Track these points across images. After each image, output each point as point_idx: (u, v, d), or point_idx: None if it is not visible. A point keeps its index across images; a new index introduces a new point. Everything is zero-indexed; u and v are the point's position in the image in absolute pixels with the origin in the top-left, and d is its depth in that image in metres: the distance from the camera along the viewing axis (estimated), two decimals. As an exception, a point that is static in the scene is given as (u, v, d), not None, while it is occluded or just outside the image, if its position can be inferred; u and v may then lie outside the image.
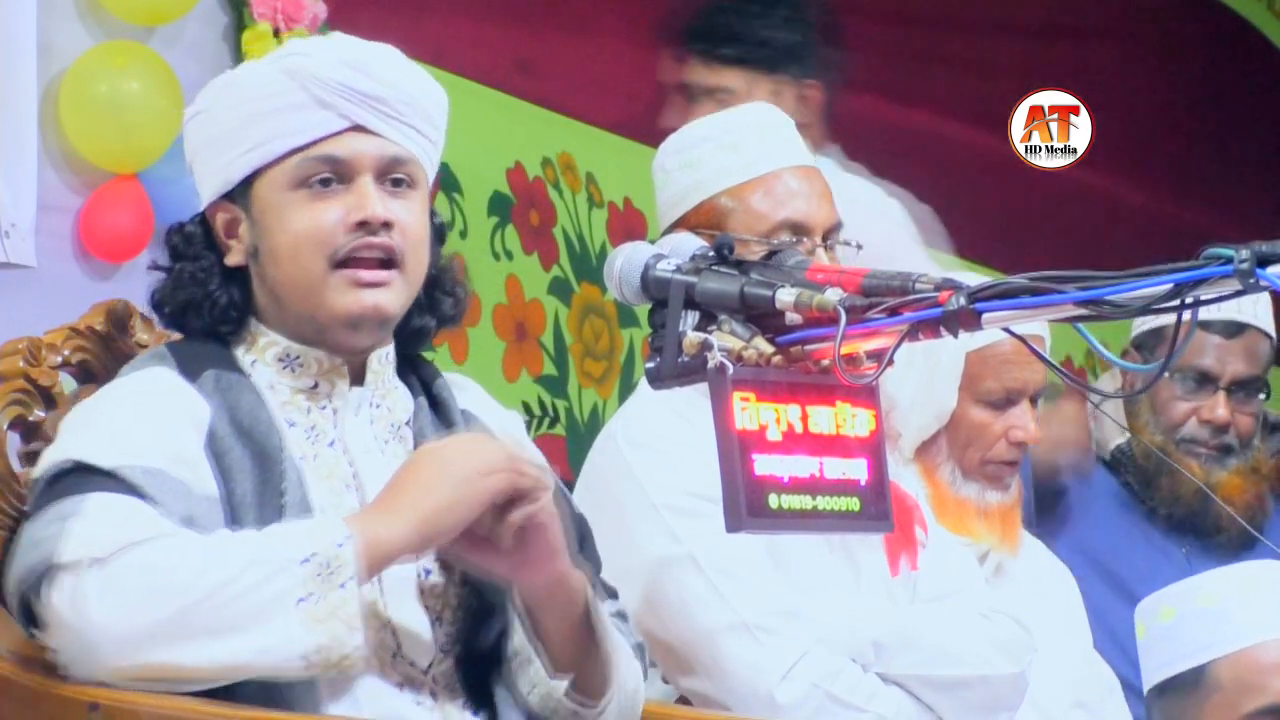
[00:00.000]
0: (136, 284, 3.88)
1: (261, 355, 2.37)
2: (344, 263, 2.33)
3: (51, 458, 2.25)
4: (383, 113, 2.36)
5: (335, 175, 2.34)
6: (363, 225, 2.33)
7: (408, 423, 2.41)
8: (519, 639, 2.34)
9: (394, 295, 2.35)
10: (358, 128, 2.35)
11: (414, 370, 2.46)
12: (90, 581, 2.10)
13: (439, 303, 2.45)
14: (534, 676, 2.34)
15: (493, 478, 2.22)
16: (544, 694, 2.34)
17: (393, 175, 2.37)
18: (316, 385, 2.37)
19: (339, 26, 4.30)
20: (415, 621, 2.33)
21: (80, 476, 2.20)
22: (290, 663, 2.13)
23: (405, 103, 2.39)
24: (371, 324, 2.35)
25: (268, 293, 2.37)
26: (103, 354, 2.44)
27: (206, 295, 2.37)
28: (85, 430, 2.26)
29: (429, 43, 4.58)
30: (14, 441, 2.37)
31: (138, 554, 2.11)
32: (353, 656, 2.14)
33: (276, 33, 4.13)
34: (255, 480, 2.27)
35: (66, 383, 2.42)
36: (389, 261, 2.34)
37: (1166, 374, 3.87)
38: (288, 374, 2.36)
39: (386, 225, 2.33)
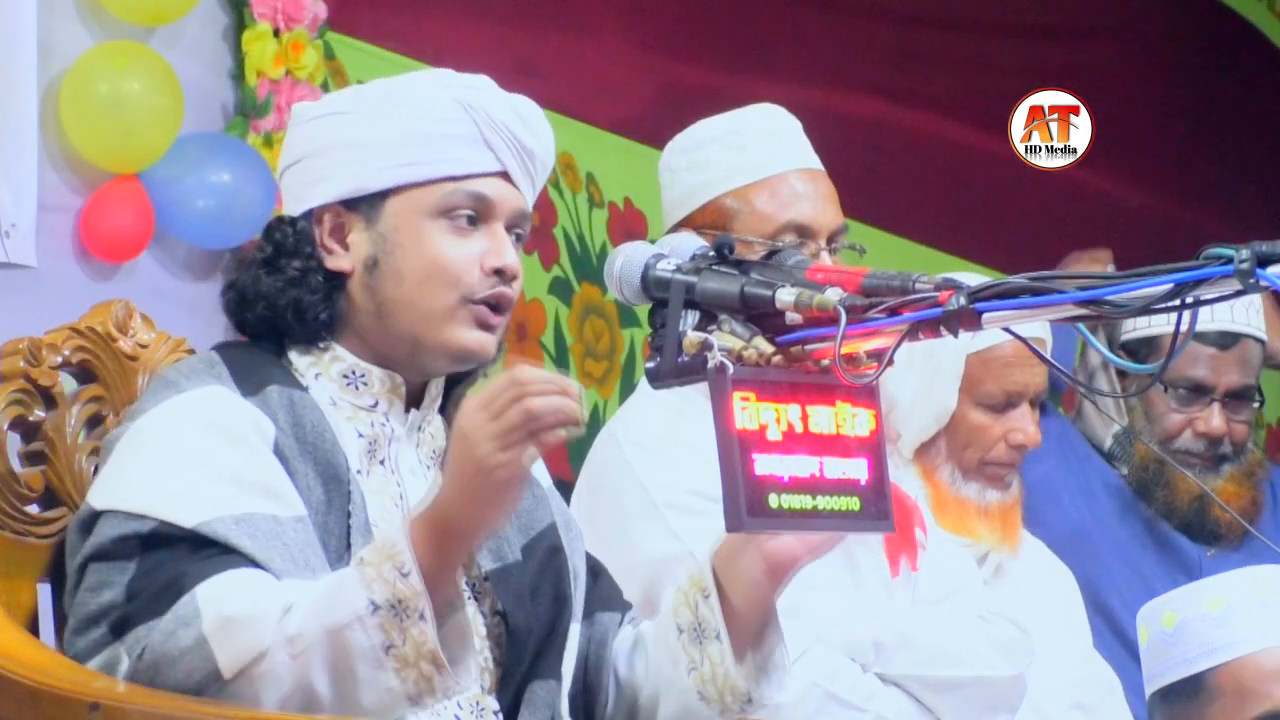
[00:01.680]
0: (136, 284, 3.92)
1: (326, 370, 2.36)
2: (471, 300, 2.34)
3: (123, 500, 2.22)
4: (526, 167, 2.38)
5: (477, 214, 2.35)
6: (498, 273, 2.34)
7: (446, 449, 2.42)
8: (687, 614, 2.34)
9: (496, 339, 2.37)
10: (504, 174, 2.36)
11: (449, 391, 2.46)
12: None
13: None
14: (711, 654, 2.32)
15: (495, 433, 2.16)
16: (715, 673, 2.33)
17: (516, 229, 2.39)
18: (376, 404, 2.36)
19: (339, 27, 4.31)
20: None
21: (172, 549, 2.18)
22: (404, 708, 2.15)
23: (542, 163, 2.41)
24: (474, 361, 2.37)
25: (373, 303, 2.35)
26: (103, 354, 2.44)
27: (308, 297, 2.34)
28: (161, 475, 2.23)
29: (429, 43, 4.58)
30: (14, 441, 2.37)
31: (259, 670, 2.12)
32: (448, 688, 2.14)
33: (276, 33, 4.13)
34: (322, 499, 2.27)
35: (66, 383, 2.41)
36: (504, 309, 2.37)
37: (1160, 385, 3.86)
38: (350, 390, 2.35)
39: (514, 277, 2.36)
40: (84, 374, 2.43)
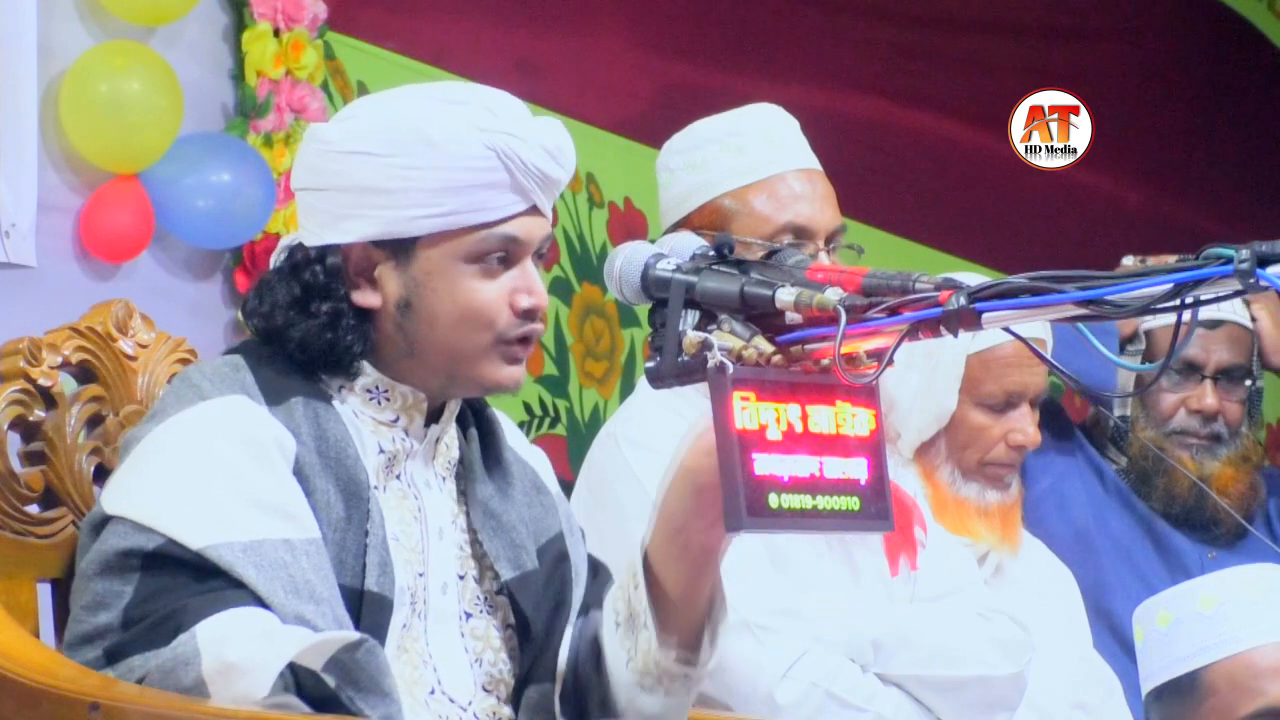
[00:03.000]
0: (136, 284, 3.92)
1: (351, 384, 2.36)
2: (504, 340, 2.35)
3: (134, 508, 2.21)
4: (552, 195, 2.39)
5: (508, 254, 2.35)
6: (529, 313, 2.36)
7: (461, 460, 2.42)
8: (623, 606, 2.35)
9: (524, 368, 2.40)
10: (533, 208, 2.37)
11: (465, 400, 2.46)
12: None
13: None
14: (641, 644, 2.33)
15: None
16: (646, 663, 2.34)
17: (540, 251, 2.40)
18: (397, 419, 2.36)
19: (339, 27, 4.31)
20: (455, 660, 2.34)
21: (175, 574, 2.18)
22: None
23: (564, 184, 2.41)
24: (506, 393, 2.38)
25: (405, 341, 2.34)
26: (103, 354, 2.44)
27: (344, 339, 2.33)
28: (174, 488, 2.22)
29: (429, 43, 4.58)
30: (14, 441, 2.37)
31: None
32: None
33: (276, 33, 4.13)
34: (341, 515, 2.26)
35: (66, 383, 2.41)
36: (533, 343, 2.39)
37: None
38: (373, 405, 2.35)
39: (543, 311, 2.38)
40: (84, 374, 2.43)
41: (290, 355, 2.32)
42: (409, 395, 2.35)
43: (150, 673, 2.14)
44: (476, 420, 2.45)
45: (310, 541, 2.22)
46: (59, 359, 2.40)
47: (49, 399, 2.38)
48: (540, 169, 2.34)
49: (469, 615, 2.37)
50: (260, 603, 2.16)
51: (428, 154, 2.32)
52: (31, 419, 2.37)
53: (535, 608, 2.37)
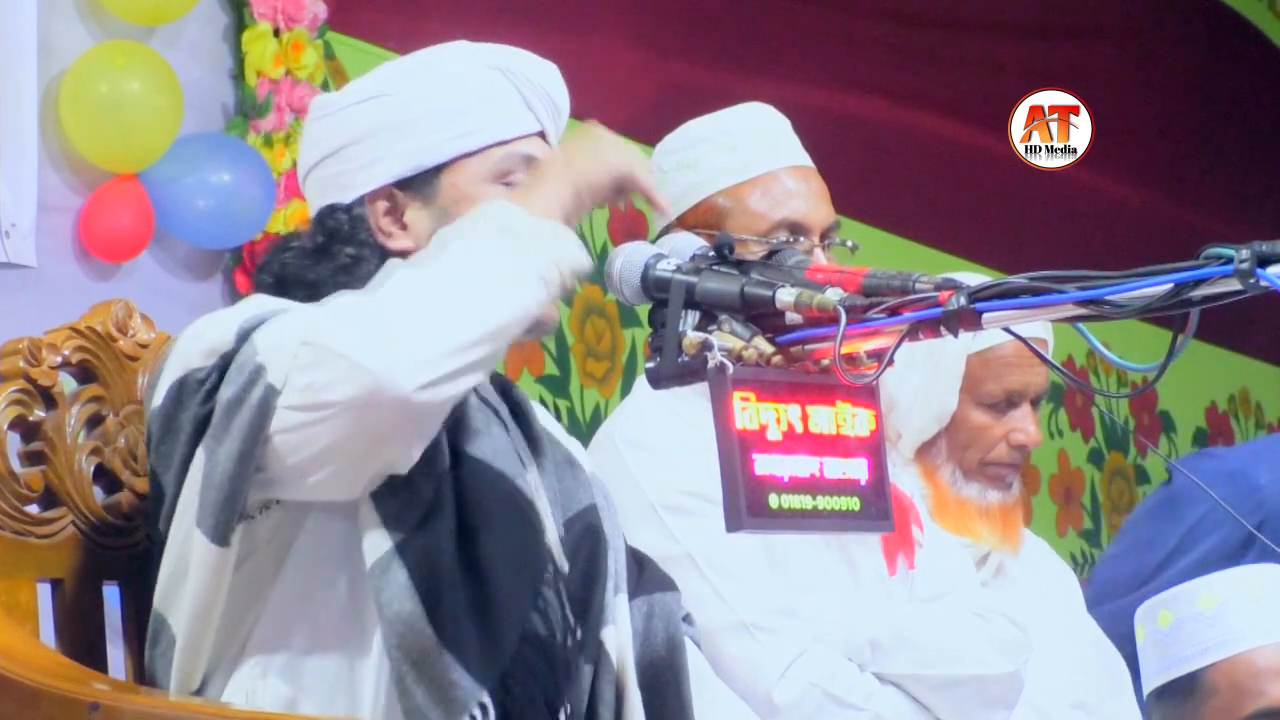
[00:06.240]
0: (136, 284, 3.92)
1: None
2: None
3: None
4: (557, 125, 2.40)
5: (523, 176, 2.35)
6: None
7: None
8: None
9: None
10: (541, 134, 2.39)
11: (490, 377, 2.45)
12: (349, 331, 2.07)
13: None
14: None
15: (624, 159, 2.26)
16: None
17: None
18: None
19: (339, 27, 4.31)
20: None
21: None
22: (535, 293, 2.13)
23: (565, 120, 2.43)
24: (543, 329, 2.34)
25: None
26: (103, 354, 2.44)
27: (353, 284, 2.31)
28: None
29: (428, 43, 4.56)
30: (14, 441, 2.37)
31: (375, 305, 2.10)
32: (579, 257, 2.16)
33: (276, 32, 4.14)
34: None
35: (66, 383, 2.41)
36: None
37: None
38: None
39: None
40: (84, 374, 2.43)
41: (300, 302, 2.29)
42: None
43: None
44: (505, 398, 2.43)
45: None
46: (59, 359, 2.40)
47: (49, 399, 2.38)
48: (545, 88, 2.37)
49: None
50: None
51: (437, 82, 2.36)
52: (31, 419, 2.37)
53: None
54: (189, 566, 2.17)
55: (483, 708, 2.15)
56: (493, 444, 2.27)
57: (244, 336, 2.15)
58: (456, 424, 2.25)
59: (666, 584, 2.51)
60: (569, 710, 2.28)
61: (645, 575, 2.49)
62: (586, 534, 2.40)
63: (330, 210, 2.36)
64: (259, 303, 2.23)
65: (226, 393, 2.13)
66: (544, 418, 2.49)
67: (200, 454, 2.15)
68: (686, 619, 2.53)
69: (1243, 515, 3.64)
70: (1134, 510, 4.08)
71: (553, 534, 2.31)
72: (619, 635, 2.40)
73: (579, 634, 2.32)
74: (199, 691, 2.22)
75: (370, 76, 2.41)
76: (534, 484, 2.32)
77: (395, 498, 2.17)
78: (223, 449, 2.12)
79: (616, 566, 2.42)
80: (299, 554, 2.21)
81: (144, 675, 2.28)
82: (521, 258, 2.12)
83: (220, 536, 2.14)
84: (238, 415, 2.11)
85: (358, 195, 2.35)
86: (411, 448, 2.13)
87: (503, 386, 2.44)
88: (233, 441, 2.11)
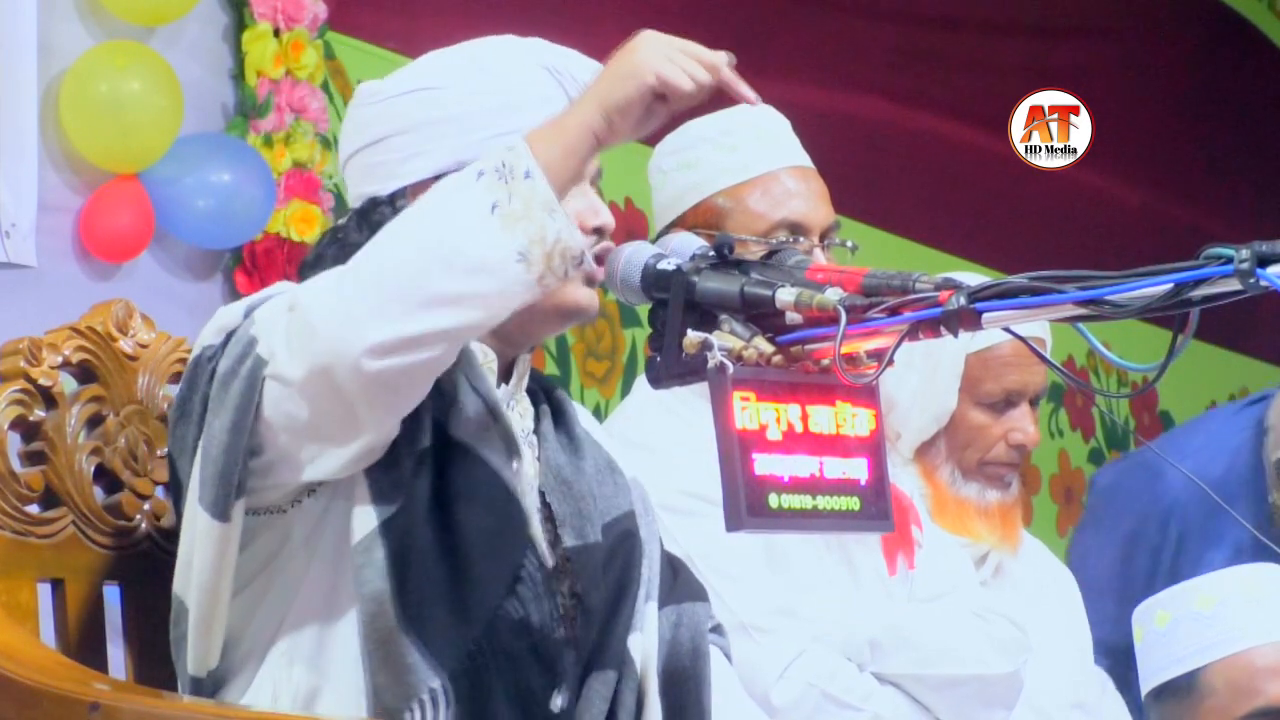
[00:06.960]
0: (136, 284, 3.92)
1: None
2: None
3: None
4: None
5: None
6: (598, 230, 2.34)
7: (535, 430, 2.39)
8: None
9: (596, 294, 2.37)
10: None
11: (532, 378, 2.44)
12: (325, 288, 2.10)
13: None
14: None
15: (670, 65, 2.28)
16: None
17: (597, 184, 2.42)
18: None
19: (339, 27, 4.31)
20: None
21: None
22: (513, 273, 2.09)
23: None
24: (584, 318, 2.35)
25: None
26: (103, 354, 2.44)
27: None
28: None
29: (428, 43, 4.55)
30: (14, 441, 2.37)
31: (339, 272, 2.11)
32: (564, 240, 2.10)
33: (277, 32, 4.13)
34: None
35: (66, 383, 2.41)
36: (605, 264, 2.34)
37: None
38: None
39: (612, 232, 2.36)
40: (84, 374, 2.43)
41: None
42: (479, 355, 2.32)
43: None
44: (547, 398, 2.43)
45: None
46: (59, 359, 2.40)
47: (49, 399, 2.38)
48: (589, 86, 2.35)
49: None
50: None
51: (484, 78, 2.37)
52: (31, 419, 2.37)
53: (591, 579, 2.33)
54: (194, 545, 2.18)
55: (432, 693, 2.15)
56: (479, 431, 2.27)
57: (250, 312, 2.18)
58: (447, 407, 2.25)
59: (698, 593, 2.49)
60: (563, 701, 2.28)
61: (678, 583, 2.48)
62: (623, 540, 2.39)
63: (373, 203, 2.35)
64: (281, 286, 2.25)
65: (223, 366, 2.16)
66: (587, 420, 2.49)
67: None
68: (716, 629, 2.51)
69: (1160, 526, 3.72)
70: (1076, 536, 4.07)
71: (537, 529, 2.30)
72: (645, 642, 2.38)
73: (580, 629, 2.32)
74: (232, 679, 2.23)
75: (417, 66, 2.42)
76: (527, 477, 2.32)
77: (385, 475, 2.19)
78: (218, 421, 2.15)
79: (650, 573, 2.42)
80: (326, 545, 2.22)
81: (144, 675, 2.29)
82: (497, 235, 2.09)
83: (220, 511, 2.15)
84: (231, 387, 2.14)
85: (399, 186, 2.34)
86: (383, 420, 2.14)
87: (546, 387, 2.44)
88: (226, 413, 2.14)
